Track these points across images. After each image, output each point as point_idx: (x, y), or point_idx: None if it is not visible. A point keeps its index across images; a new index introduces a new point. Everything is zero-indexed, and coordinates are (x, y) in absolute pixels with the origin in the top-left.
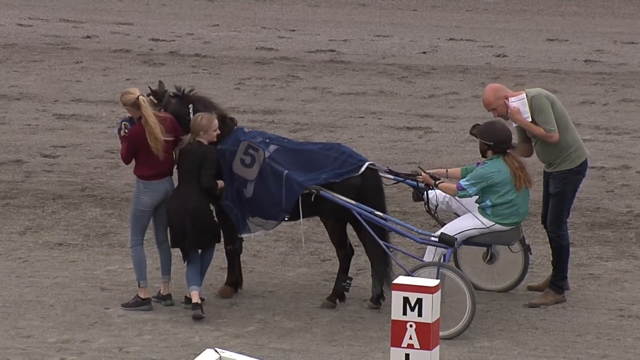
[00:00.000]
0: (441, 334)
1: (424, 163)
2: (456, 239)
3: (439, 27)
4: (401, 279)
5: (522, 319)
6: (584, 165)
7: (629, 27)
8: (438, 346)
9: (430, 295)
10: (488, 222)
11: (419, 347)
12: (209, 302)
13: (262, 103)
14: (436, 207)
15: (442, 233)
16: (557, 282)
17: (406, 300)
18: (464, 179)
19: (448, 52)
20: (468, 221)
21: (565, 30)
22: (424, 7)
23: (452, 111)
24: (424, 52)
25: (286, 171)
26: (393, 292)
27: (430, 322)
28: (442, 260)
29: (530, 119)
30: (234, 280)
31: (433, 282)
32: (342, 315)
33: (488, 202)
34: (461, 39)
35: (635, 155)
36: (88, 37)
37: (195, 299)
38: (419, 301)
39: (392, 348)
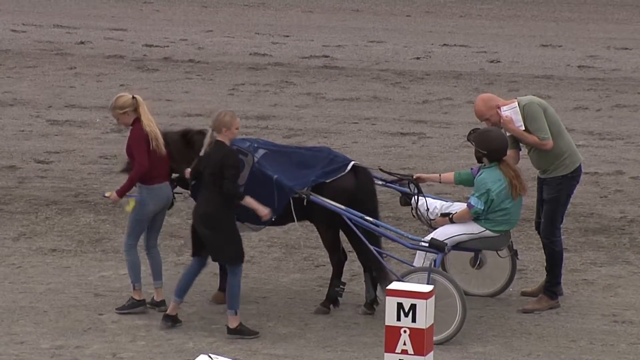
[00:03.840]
0: (433, 338)
1: (418, 169)
2: (446, 244)
3: (432, 32)
4: (395, 285)
5: (516, 324)
6: (578, 171)
7: (622, 33)
8: (432, 352)
9: (424, 301)
10: (478, 228)
11: (412, 353)
12: (202, 308)
13: (255, 109)
14: (428, 220)
15: (432, 238)
16: (551, 288)
17: (400, 306)
18: (472, 196)
19: (442, 58)
20: (458, 226)
21: (558, 35)
22: (418, 12)
23: (446, 117)
24: (418, 58)
25: (275, 175)
26: (387, 297)
27: (424, 327)
28: (432, 266)
29: (523, 128)
30: None
31: (427, 288)
32: (336, 320)
33: (482, 207)
34: (455, 45)
35: (629, 161)
36: (82, 42)
37: (173, 310)
38: (413, 307)
39: (386, 354)
